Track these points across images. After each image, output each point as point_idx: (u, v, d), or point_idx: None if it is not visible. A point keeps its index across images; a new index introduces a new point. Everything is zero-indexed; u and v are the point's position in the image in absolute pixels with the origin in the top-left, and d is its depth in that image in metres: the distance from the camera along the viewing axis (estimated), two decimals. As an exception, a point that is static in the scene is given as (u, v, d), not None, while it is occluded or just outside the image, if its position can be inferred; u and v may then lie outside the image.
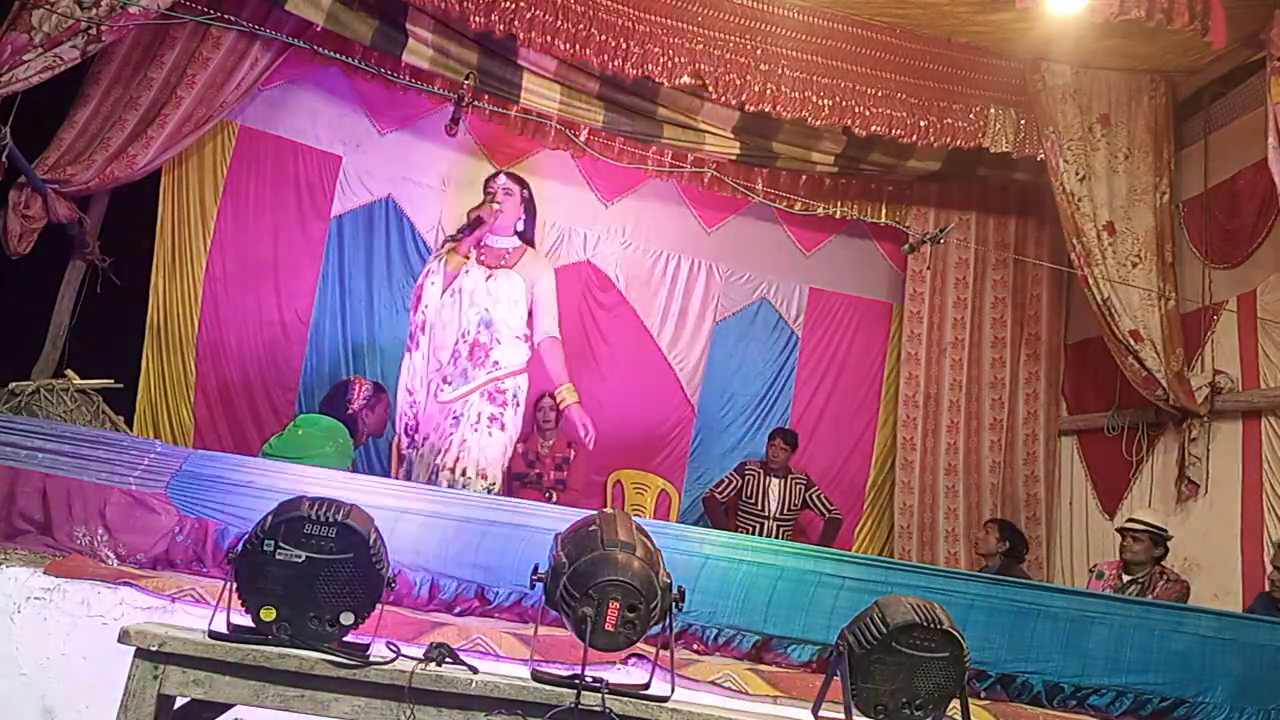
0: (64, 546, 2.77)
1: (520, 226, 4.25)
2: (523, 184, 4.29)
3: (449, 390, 3.96)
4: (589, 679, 1.85)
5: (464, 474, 3.85)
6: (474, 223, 4.09)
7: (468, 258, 4.07)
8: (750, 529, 5.77)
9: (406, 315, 4.56)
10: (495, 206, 4.12)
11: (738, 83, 5.27)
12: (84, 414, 4.25)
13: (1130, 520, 4.76)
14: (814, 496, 5.95)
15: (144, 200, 5.28)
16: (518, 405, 4.07)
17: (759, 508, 5.84)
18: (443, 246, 4.21)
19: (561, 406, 4.24)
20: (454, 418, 3.95)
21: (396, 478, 4.13)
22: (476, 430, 3.91)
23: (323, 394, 5.21)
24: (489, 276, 4.06)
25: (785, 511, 5.85)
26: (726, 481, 5.96)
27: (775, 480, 5.89)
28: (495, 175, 4.31)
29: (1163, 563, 4.66)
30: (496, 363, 3.99)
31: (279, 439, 3.84)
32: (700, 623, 2.91)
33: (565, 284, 6.18)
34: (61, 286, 4.98)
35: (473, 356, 3.97)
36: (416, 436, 4.04)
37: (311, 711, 1.84)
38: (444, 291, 4.03)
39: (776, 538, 5.63)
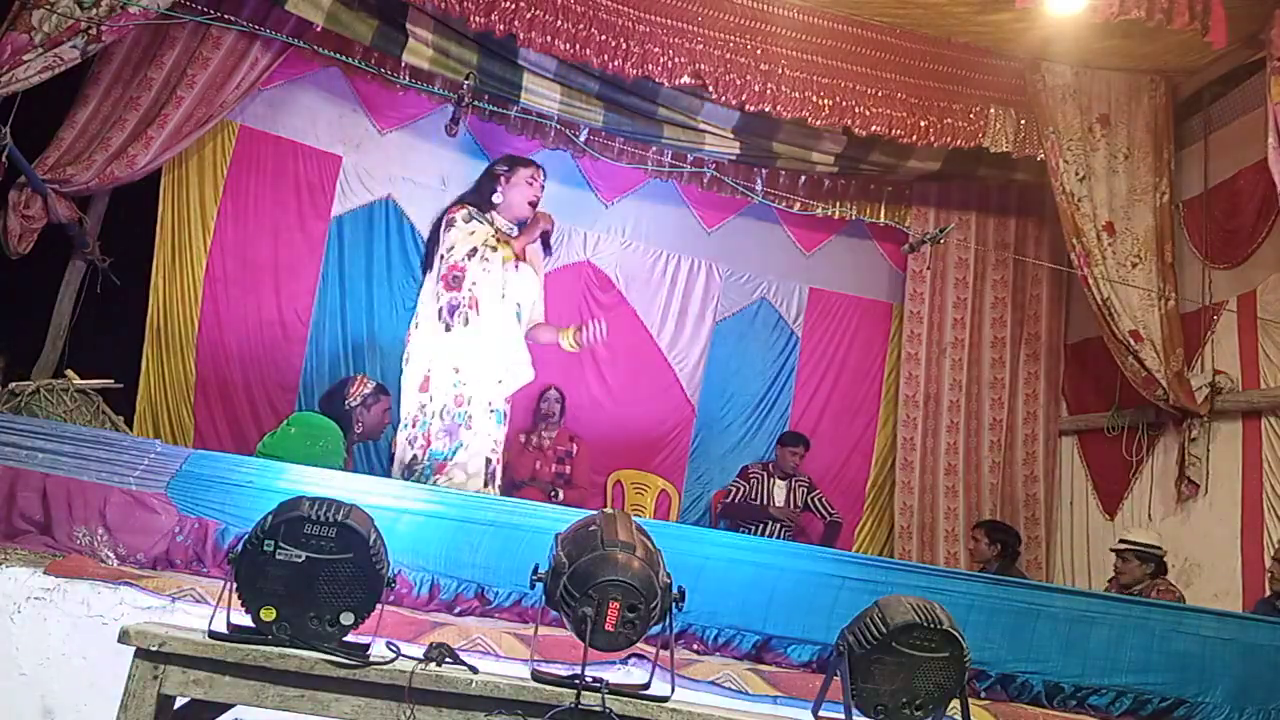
0: (64, 546, 2.77)
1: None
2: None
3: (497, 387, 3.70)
4: (589, 679, 1.85)
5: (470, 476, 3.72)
6: (543, 235, 3.92)
7: (521, 258, 3.80)
8: (751, 529, 5.77)
9: (407, 316, 4.44)
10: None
11: (738, 83, 5.27)
12: (84, 414, 4.24)
13: (1121, 541, 4.86)
14: (816, 499, 5.94)
15: (144, 200, 5.27)
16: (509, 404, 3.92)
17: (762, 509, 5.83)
18: (495, 233, 3.85)
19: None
20: (466, 415, 3.70)
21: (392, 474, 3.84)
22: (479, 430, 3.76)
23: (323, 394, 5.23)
24: (516, 268, 3.81)
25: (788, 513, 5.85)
26: (734, 489, 5.94)
27: (780, 482, 5.88)
28: (539, 167, 4.14)
29: (1162, 576, 4.70)
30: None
31: (272, 437, 3.84)
32: (700, 623, 2.90)
33: (565, 284, 6.24)
34: (61, 286, 4.97)
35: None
36: (436, 428, 3.66)
37: (311, 711, 1.84)
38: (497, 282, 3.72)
39: (777, 539, 5.63)
